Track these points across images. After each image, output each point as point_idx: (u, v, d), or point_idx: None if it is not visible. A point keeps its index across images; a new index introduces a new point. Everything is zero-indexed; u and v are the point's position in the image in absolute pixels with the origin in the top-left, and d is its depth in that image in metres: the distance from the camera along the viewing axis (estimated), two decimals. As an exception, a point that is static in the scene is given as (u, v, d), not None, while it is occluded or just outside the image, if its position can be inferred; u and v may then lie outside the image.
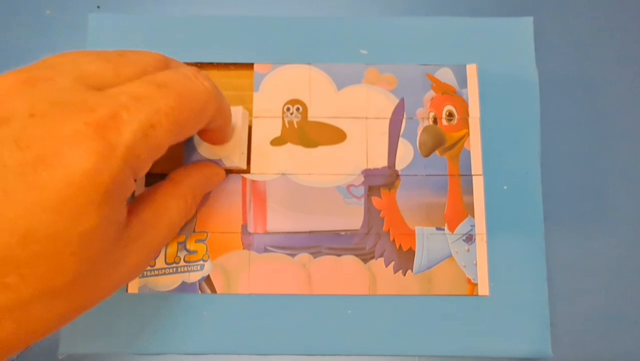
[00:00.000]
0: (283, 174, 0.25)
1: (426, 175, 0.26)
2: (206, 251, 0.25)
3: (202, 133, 0.22)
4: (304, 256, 0.25)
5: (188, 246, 0.25)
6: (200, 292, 0.24)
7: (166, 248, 0.25)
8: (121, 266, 0.18)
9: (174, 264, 0.25)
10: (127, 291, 0.24)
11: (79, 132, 0.15)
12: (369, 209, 0.25)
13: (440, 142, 0.26)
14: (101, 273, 0.17)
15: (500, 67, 0.26)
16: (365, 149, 0.26)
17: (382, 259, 0.25)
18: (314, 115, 0.26)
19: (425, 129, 0.26)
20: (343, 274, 0.25)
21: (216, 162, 0.24)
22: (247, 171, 0.25)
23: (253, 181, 0.25)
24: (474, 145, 0.26)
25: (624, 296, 0.26)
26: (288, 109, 0.26)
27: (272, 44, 0.27)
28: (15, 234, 0.14)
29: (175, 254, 0.25)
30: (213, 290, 0.24)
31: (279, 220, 0.25)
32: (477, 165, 0.26)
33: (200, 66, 0.26)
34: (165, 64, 0.20)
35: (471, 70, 0.26)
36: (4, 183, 0.14)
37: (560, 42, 0.28)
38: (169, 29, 0.27)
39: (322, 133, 0.26)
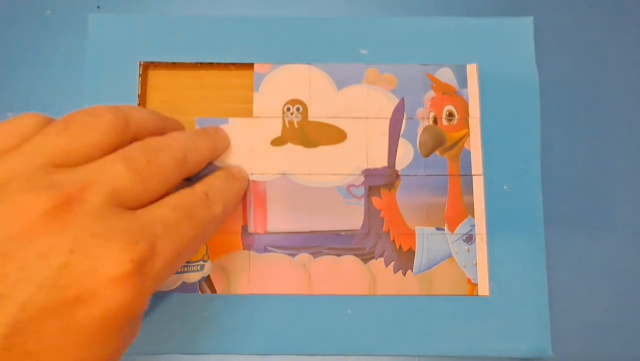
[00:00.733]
0: (283, 174, 0.25)
1: (426, 175, 0.26)
2: (206, 251, 0.25)
3: None
4: (304, 256, 0.25)
5: (188, 246, 0.25)
6: (200, 292, 0.24)
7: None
8: None
9: (174, 264, 0.25)
10: (127, 291, 0.24)
11: (124, 272, 0.15)
12: (369, 209, 0.25)
13: (440, 142, 0.26)
14: None
15: (500, 67, 0.26)
16: (365, 149, 0.26)
17: (382, 259, 0.25)
18: (314, 115, 0.26)
19: (426, 129, 0.26)
20: (343, 274, 0.25)
21: (219, 166, 0.24)
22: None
23: (253, 181, 0.25)
24: (474, 145, 0.26)
25: (624, 296, 0.26)
26: (288, 109, 0.26)
27: (272, 44, 0.27)
28: None
29: (175, 254, 0.25)
30: (213, 290, 0.24)
31: (279, 220, 0.25)
32: (477, 165, 0.26)
33: (200, 66, 0.26)
34: (184, 160, 0.20)
35: (471, 70, 0.26)
36: (38, 325, 0.14)
37: (560, 42, 0.28)
38: (169, 29, 0.27)
39: (322, 133, 0.26)
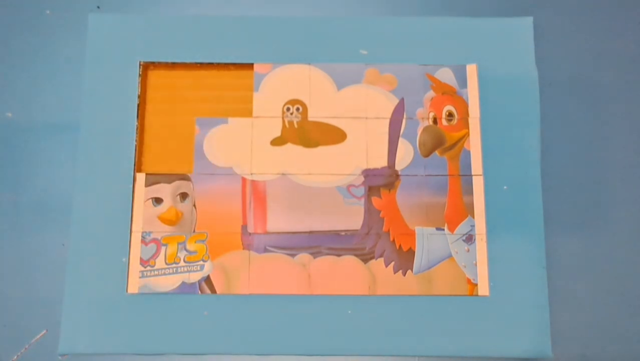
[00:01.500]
0: (283, 174, 0.25)
1: (426, 175, 0.26)
2: (206, 251, 0.25)
3: None
4: (304, 256, 0.25)
5: (188, 247, 0.25)
6: (200, 292, 0.24)
7: (166, 248, 0.25)
8: None
9: (174, 265, 0.25)
10: (127, 291, 0.24)
11: None
12: (369, 209, 0.25)
13: (440, 142, 0.26)
14: None
15: (500, 67, 0.26)
16: (365, 149, 0.26)
17: (382, 259, 0.25)
18: (314, 115, 0.26)
19: (425, 129, 0.26)
20: (343, 275, 0.25)
21: (226, 171, 0.24)
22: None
23: (253, 181, 0.25)
24: (474, 145, 0.26)
25: (623, 297, 0.26)
26: (288, 109, 0.26)
27: (272, 44, 0.27)
28: None
29: (175, 255, 0.25)
30: (213, 290, 0.24)
31: (279, 220, 0.25)
32: (477, 165, 0.26)
33: (200, 65, 0.26)
34: None
35: (471, 70, 0.26)
36: None
37: (560, 42, 0.28)
38: (169, 29, 0.27)
39: (322, 133, 0.26)
